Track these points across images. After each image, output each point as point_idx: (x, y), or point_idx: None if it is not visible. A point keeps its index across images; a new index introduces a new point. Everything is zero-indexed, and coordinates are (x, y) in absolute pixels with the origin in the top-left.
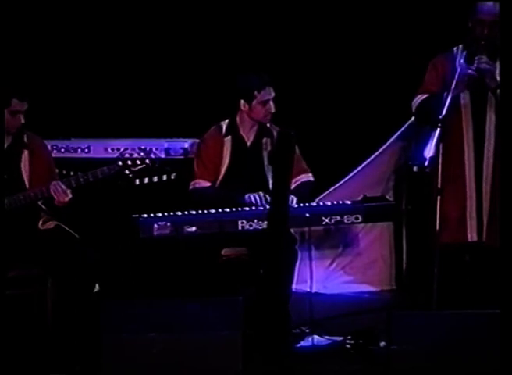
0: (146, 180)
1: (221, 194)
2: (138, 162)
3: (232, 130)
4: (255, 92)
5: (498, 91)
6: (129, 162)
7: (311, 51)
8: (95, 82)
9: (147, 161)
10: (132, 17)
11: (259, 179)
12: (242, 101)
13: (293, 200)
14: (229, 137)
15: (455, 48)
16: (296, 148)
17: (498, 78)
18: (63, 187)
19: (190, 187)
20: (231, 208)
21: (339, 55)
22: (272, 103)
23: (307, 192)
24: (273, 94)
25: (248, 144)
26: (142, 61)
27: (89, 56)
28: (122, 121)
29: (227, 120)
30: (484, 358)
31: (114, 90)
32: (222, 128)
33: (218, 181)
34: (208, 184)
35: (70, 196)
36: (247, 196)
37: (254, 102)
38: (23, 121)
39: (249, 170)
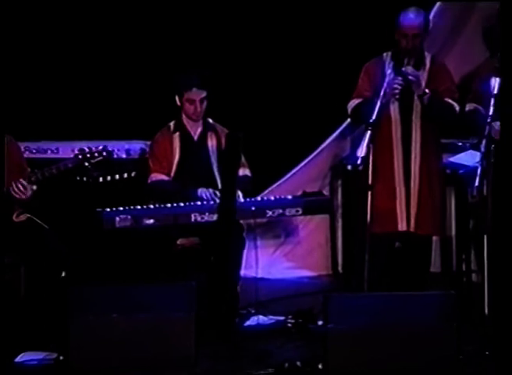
0: (109, 178)
1: (176, 188)
2: (96, 155)
3: (180, 126)
4: (183, 91)
5: (424, 97)
6: (87, 155)
7: (255, 53)
8: (63, 88)
9: (104, 153)
10: (88, 20)
11: (207, 170)
12: (176, 98)
13: (240, 195)
14: (177, 134)
15: (385, 54)
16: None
17: (423, 85)
18: (24, 183)
19: (148, 181)
20: (185, 203)
21: (281, 58)
22: (198, 103)
23: (245, 185)
24: (202, 95)
25: (195, 138)
26: (107, 68)
27: (56, 63)
28: (88, 124)
29: (174, 120)
30: (411, 336)
31: (80, 96)
32: (170, 126)
33: (172, 174)
34: (164, 177)
35: (30, 192)
36: (199, 191)
37: (183, 100)
38: None
39: (197, 162)
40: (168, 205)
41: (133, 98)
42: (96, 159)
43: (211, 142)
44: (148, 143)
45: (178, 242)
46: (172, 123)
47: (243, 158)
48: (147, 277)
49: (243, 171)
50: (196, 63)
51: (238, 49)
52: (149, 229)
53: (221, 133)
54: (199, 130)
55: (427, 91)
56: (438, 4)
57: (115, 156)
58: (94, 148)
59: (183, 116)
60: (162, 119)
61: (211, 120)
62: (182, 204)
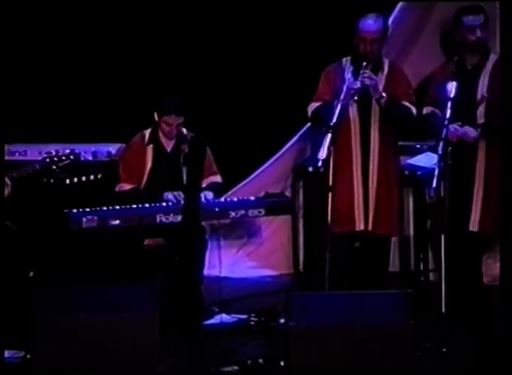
0: (76, 180)
1: (142, 194)
2: (63, 158)
3: (154, 138)
4: (162, 114)
5: (381, 100)
6: (55, 159)
7: (218, 56)
8: (30, 91)
9: (72, 156)
10: (57, 26)
11: (178, 182)
12: (155, 114)
13: (210, 194)
14: (151, 146)
15: (344, 59)
16: (210, 153)
17: (380, 89)
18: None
19: (116, 189)
20: (150, 204)
21: (244, 62)
22: (174, 127)
23: (216, 191)
24: (180, 121)
25: (168, 150)
26: (74, 72)
27: (22, 66)
28: (56, 127)
29: (149, 129)
30: (370, 333)
31: (48, 99)
32: (145, 136)
33: (143, 184)
34: (131, 186)
35: (7, 191)
36: (165, 194)
37: (161, 120)
38: None
39: (169, 174)
40: (134, 206)
41: (100, 101)
42: (63, 163)
43: (184, 154)
44: (115, 146)
45: (144, 243)
46: (147, 133)
47: (214, 167)
48: (113, 277)
49: (216, 178)
50: (164, 65)
51: (202, 52)
52: (115, 230)
53: (190, 140)
54: (173, 142)
55: (384, 94)
56: (397, 8)
57: (82, 159)
58: (61, 152)
59: (159, 129)
60: (130, 123)
61: (185, 131)
62: (147, 205)
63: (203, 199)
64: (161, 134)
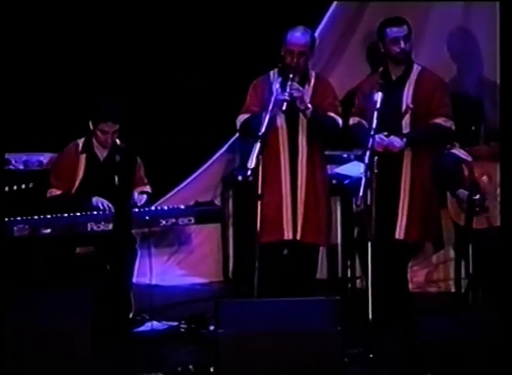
0: (7, 189)
1: (71, 198)
2: None
3: (88, 147)
4: (98, 121)
5: (307, 112)
6: None
7: (147, 68)
8: None
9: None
10: None
11: (110, 191)
12: (90, 123)
13: (143, 198)
14: (84, 155)
15: (272, 72)
16: (140, 162)
17: (307, 100)
18: None
19: (47, 195)
20: (81, 212)
21: (173, 72)
22: (110, 135)
23: (146, 200)
24: (116, 128)
25: (101, 159)
26: (3, 80)
27: None
28: None
29: (83, 138)
30: (298, 340)
31: None
32: (78, 146)
33: (73, 190)
34: (58, 193)
35: None
36: (94, 199)
37: (97, 128)
38: None
39: (101, 184)
40: (66, 214)
41: (32, 110)
42: None
43: (117, 164)
44: (46, 155)
45: (76, 251)
46: (81, 143)
47: (144, 177)
48: (44, 285)
49: (145, 188)
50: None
51: (130, 65)
52: (47, 238)
53: (121, 150)
54: (106, 152)
55: (309, 106)
56: (323, 21)
57: (13, 168)
58: None
59: (93, 139)
60: (62, 133)
61: (118, 141)
62: (78, 214)
63: (136, 199)
64: (95, 144)
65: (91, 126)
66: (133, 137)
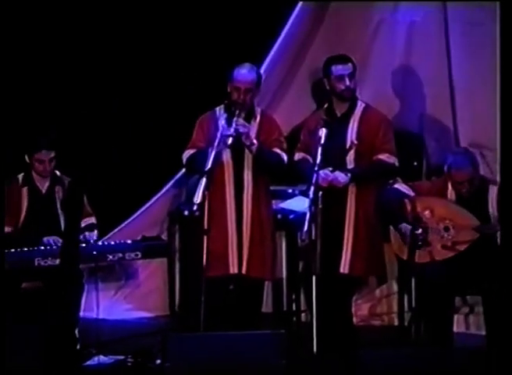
0: None
1: (20, 239)
2: None
3: (28, 180)
4: (32, 152)
5: (252, 147)
6: None
7: (98, 101)
8: None
9: None
10: None
11: (54, 222)
12: (26, 156)
13: (94, 235)
14: (26, 188)
15: (218, 108)
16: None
17: (253, 136)
18: None
19: None
20: (28, 247)
21: (120, 110)
22: (47, 163)
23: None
24: (51, 155)
25: (43, 191)
26: None
27: None
28: None
29: (22, 173)
30: (244, 373)
31: None
32: (18, 179)
33: (20, 225)
34: (9, 229)
35: None
36: (45, 239)
37: (33, 159)
38: None
39: (45, 217)
40: (13, 250)
41: None
42: None
43: (59, 195)
44: None
45: (22, 286)
46: (20, 177)
47: (88, 208)
48: None
49: (90, 219)
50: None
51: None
52: None
53: (67, 185)
54: (47, 184)
55: (255, 141)
56: (268, 57)
57: None
58: None
59: (32, 171)
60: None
61: (58, 173)
62: (26, 249)
63: (88, 237)
64: (35, 176)
65: (27, 159)
66: (79, 170)
